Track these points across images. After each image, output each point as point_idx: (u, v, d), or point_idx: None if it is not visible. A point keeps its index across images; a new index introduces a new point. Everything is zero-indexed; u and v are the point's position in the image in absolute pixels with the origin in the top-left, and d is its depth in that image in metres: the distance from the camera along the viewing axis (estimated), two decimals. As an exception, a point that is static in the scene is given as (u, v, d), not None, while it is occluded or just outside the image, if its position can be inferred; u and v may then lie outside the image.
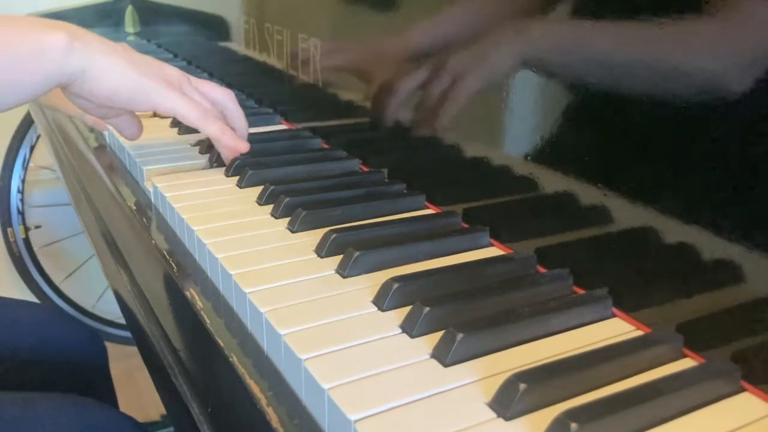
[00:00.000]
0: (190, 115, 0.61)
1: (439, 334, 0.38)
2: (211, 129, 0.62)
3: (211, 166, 0.68)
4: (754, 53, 0.34)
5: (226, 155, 0.66)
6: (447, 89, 0.55)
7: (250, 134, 0.69)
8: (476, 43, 0.52)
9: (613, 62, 0.42)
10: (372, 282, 0.44)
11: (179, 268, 0.52)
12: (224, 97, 0.66)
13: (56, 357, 0.78)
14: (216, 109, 0.65)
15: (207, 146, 0.72)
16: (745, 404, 0.35)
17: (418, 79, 0.59)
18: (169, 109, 0.60)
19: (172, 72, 0.62)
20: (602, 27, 0.42)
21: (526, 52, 0.47)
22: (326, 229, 0.50)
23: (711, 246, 0.37)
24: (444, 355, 0.37)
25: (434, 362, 0.37)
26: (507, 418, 0.33)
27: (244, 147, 0.65)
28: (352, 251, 0.46)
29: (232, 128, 0.66)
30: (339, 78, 0.73)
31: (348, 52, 0.71)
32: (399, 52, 0.62)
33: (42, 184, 1.69)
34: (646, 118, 0.40)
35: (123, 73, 0.57)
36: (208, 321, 0.45)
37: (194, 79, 0.65)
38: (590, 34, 0.43)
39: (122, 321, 1.31)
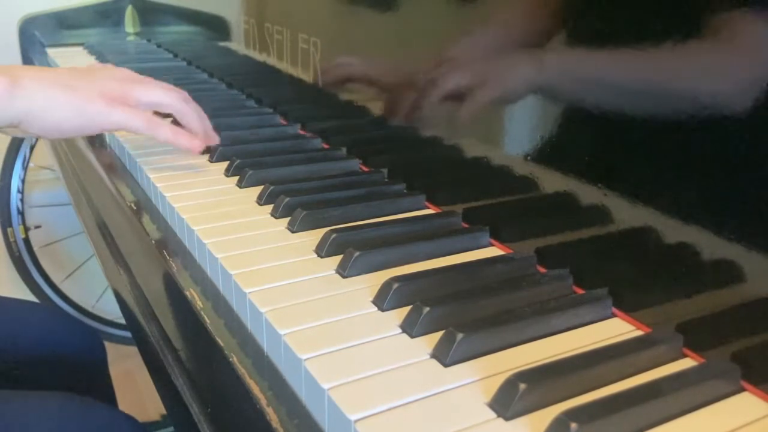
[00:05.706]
0: (135, 126, 0.61)
1: (439, 334, 0.38)
2: (160, 134, 0.62)
3: (211, 161, 0.68)
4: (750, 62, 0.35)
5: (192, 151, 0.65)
6: (458, 96, 0.55)
7: (250, 134, 0.69)
8: (493, 60, 0.52)
9: (618, 76, 0.42)
10: (372, 282, 0.44)
11: (179, 268, 0.52)
12: (168, 98, 0.64)
13: (56, 357, 0.78)
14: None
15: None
16: (745, 404, 0.35)
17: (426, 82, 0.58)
18: (114, 127, 0.61)
19: (113, 84, 0.62)
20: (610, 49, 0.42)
21: (540, 80, 0.47)
22: (326, 229, 0.50)
23: (711, 246, 0.37)
24: (444, 355, 0.37)
25: (434, 362, 0.37)
26: (507, 418, 0.33)
27: (198, 146, 0.64)
28: (352, 251, 0.46)
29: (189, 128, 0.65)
30: (339, 78, 0.73)
31: (354, 60, 0.70)
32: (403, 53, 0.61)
33: (42, 184, 1.68)
34: (646, 117, 0.40)
35: (62, 106, 0.58)
36: (208, 321, 0.45)
37: (138, 82, 0.64)
38: (600, 62, 0.43)
39: (122, 321, 1.31)
